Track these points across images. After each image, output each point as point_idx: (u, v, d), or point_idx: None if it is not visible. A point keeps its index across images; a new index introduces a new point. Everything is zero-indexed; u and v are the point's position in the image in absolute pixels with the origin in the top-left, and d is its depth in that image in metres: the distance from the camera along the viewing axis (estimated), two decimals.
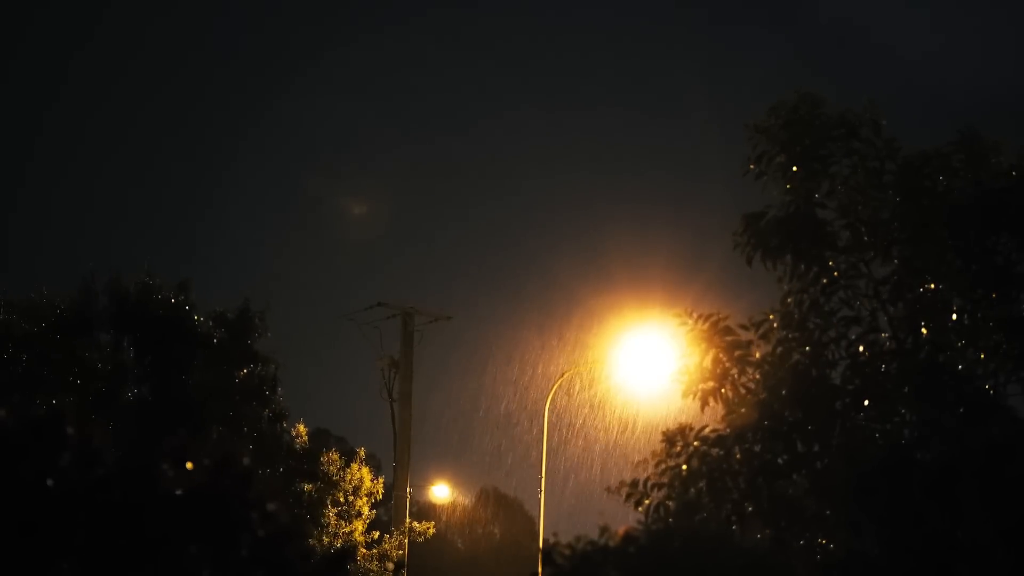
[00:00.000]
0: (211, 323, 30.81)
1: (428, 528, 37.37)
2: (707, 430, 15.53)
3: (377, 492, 35.63)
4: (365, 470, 35.38)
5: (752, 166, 16.37)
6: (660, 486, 15.42)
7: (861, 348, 15.70)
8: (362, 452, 36.08)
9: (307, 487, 33.25)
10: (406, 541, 36.65)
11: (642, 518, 15.38)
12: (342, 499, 34.71)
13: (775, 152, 16.27)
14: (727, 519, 15.10)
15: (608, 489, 15.81)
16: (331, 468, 34.63)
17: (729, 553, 11.43)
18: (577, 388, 43.49)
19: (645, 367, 37.54)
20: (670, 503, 15.33)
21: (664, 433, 15.62)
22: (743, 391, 15.67)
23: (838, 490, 14.79)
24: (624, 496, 15.51)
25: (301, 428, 33.62)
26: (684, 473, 15.34)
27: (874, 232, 16.08)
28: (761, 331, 15.87)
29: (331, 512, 34.38)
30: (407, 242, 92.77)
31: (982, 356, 15.64)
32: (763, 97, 16.76)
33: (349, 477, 34.81)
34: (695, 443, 15.44)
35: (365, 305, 40.58)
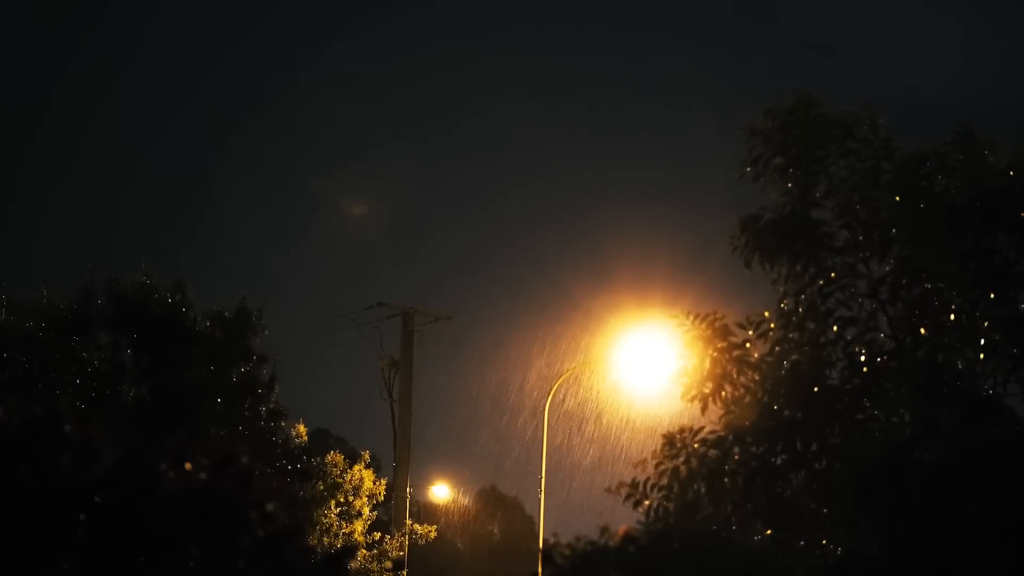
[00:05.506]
0: (208, 322, 30.83)
1: (430, 531, 37.33)
2: (705, 431, 15.54)
3: (379, 494, 35.60)
4: (368, 472, 35.36)
5: (748, 169, 16.41)
6: (659, 487, 15.42)
7: (859, 348, 15.70)
8: (366, 455, 36.09)
9: (311, 488, 33.24)
10: (406, 542, 36.63)
11: (642, 518, 15.39)
12: (343, 499, 34.70)
13: (771, 155, 16.30)
14: (726, 520, 15.10)
15: (608, 489, 15.83)
16: (334, 470, 34.61)
17: (729, 553, 11.44)
18: (577, 388, 43.55)
19: (645, 367, 37.56)
20: (669, 504, 15.33)
21: (663, 436, 15.62)
22: (742, 391, 15.68)
23: (837, 490, 14.79)
24: (624, 497, 15.52)
25: (301, 428, 33.60)
26: (683, 474, 15.34)
27: (872, 232, 16.09)
28: (759, 331, 15.89)
29: (332, 512, 34.36)
30: (407, 242, 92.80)
31: (981, 356, 15.64)
32: (764, 97, 16.80)
33: (349, 478, 34.78)
34: (694, 444, 15.45)
35: (365, 305, 40.67)
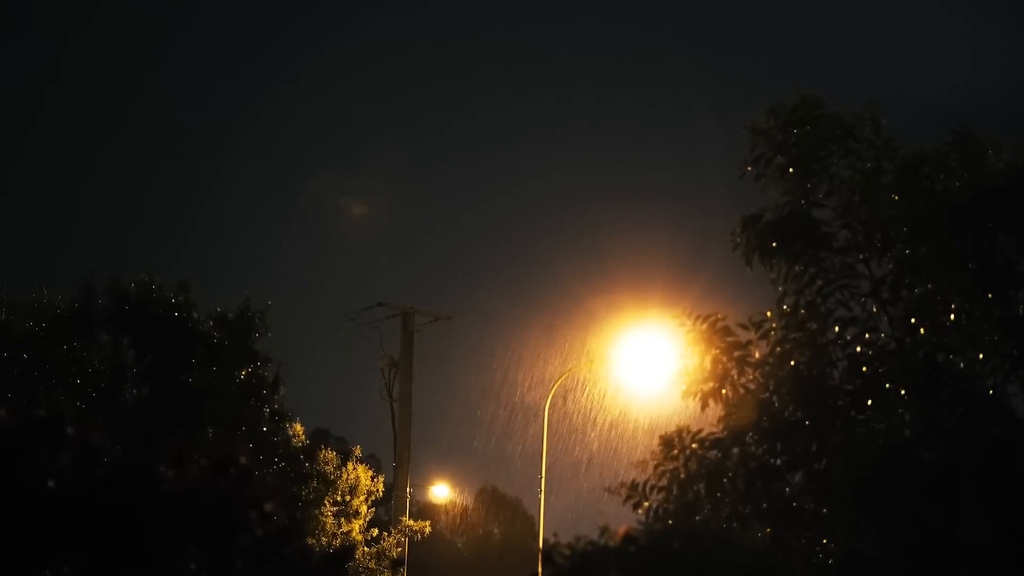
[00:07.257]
0: (211, 323, 30.82)
1: (424, 527, 37.32)
2: (704, 432, 15.54)
3: (377, 491, 35.55)
4: (361, 468, 35.27)
5: (749, 168, 16.41)
6: (659, 488, 15.42)
7: (860, 348, 15.70)
8: (358, 451, 35.97)
9: (305, 487, 33.18)
10: (405, 540, 36.63)
11: (642, 518, 15.39)
12: (339, 498, 34.63)
13: (772, 154, 16.30)
14: (726, 520, 15.10)
15: (608, 490, 15.83)
16: (327, 467, 34.53)
17: (729, 553, 11.41)
18: (577, 388, 43.56)
19: (645, 367, 37.58)
20: (669, 505, 15.32)
21: (661, 437, 15.61)
22: (743, 391, 15.68)
23: (838, 490, 14.79)
24: (624, 498, 15.52)
25: (298, 428, 33.52)
26: (682, 476, 15.34)
27: (872, 232, 16.10)
28: (761, 331, 15.89)
29: (328, 512, 34.30)
30: (407, 242, 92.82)
31: (981, 356, 15.64)
32: (764, 96, 16.80)
33: (345, 476, 34.71)
34: (693, 445, 15.44)
35: (365, 305, 40.66)
